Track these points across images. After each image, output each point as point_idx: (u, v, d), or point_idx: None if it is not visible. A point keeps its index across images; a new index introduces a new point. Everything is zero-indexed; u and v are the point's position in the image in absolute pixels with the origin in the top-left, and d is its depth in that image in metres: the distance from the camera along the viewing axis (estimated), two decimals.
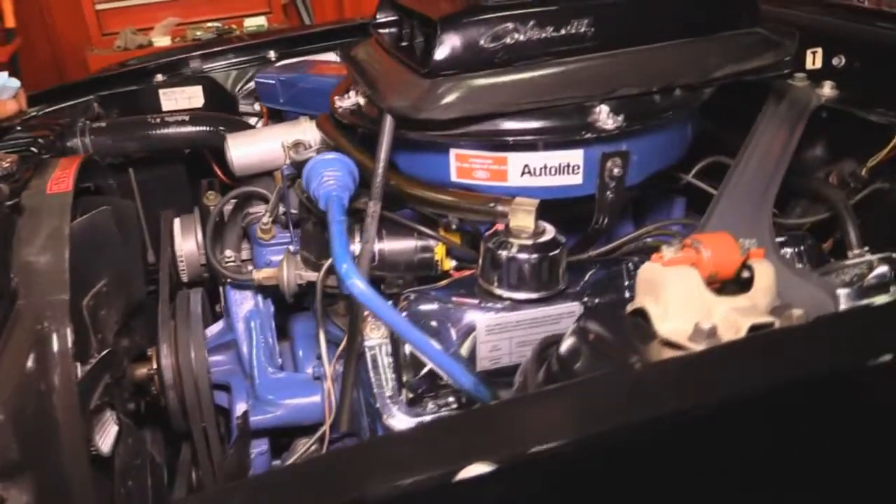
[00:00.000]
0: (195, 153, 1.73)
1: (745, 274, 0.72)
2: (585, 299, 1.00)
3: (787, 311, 0.69)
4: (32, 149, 1.30)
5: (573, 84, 1.01)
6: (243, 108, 1.91)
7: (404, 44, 1.18)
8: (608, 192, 1.05)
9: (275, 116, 1.76)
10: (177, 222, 1.55)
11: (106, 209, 1.20)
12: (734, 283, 0.72)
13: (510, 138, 0.99)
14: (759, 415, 0.60)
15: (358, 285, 0.85)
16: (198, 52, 1.94)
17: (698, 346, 0.66)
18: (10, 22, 4.25)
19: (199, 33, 4.08)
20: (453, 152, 1.05)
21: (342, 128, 1.20)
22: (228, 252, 1.41)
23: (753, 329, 0.65)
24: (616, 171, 1.03)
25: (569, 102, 1.00)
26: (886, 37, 1.33)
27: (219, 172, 1.67)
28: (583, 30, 1.02)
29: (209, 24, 4.12)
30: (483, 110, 0.98)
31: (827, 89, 1.27)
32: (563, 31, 1.02)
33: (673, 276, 0.69)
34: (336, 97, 1.22)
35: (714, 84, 1.10)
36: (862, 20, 1.38)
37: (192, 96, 1.89)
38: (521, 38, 1.01)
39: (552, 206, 1.07)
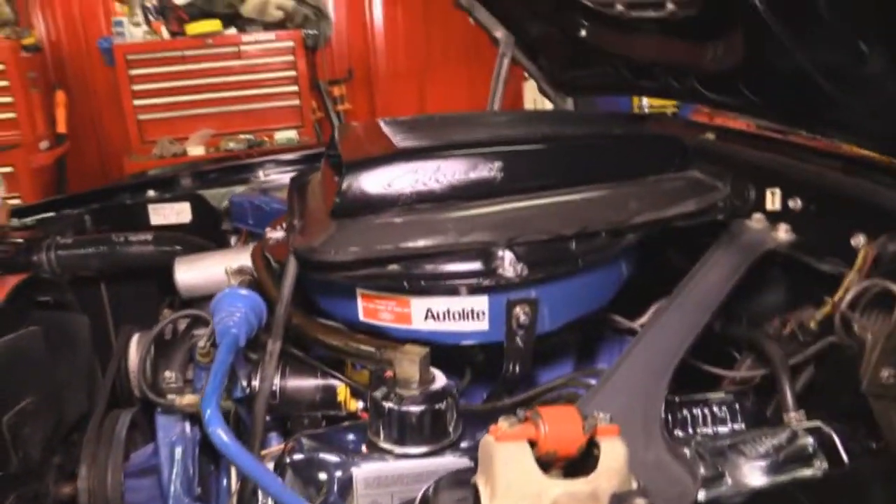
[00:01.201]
0: (166, 271, 1.76)
1: (595, 451, 0.66)
2: None
3: (632, 499, 0.62)
4: None
5: (477, 229, 0.99)
6: (226, 226, 1.95)
7: (336, 178, 1.19)
8: (517, 340, 1.00)
9: (256, 236, 1.79)
10: (134, 338, 1.56)
11: (34, 329, 1.21)
12: (583, 462, 0.66)
13: (405, 282, 0.96)
14: None
15: (219, 435, 0.82)
16: (189, 171, 2.01)
17: None
18: (61, 128, 4.55)
19: (231, 144, 4.27)
20: (359, 293, 1.03)
21: (268, 261, 1.20)
22: (168, 373, 1.39)
23: None
24: (523, 318, 0.99)
25: (470, 248, 0.97)
26: (842, 182, 1.28)
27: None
28: (492, 174, 1.02)
29: (242, 136, 4.31)
30: (379, 254, 0.96)
31: (782, 233, 1.21)
32: (470, 176, 1.01)
33: (503, 452, 0.63)
34: (269, 229, 1.23)
35: (635, 230, 1.06)
36: (818, 162, 1.34)
37: (179, 212, 1.94)
38: (427, 182, 1.00)
39: (462, 352, 1.03)
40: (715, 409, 1.06)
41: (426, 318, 1.00)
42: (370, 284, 1.01)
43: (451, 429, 0.93)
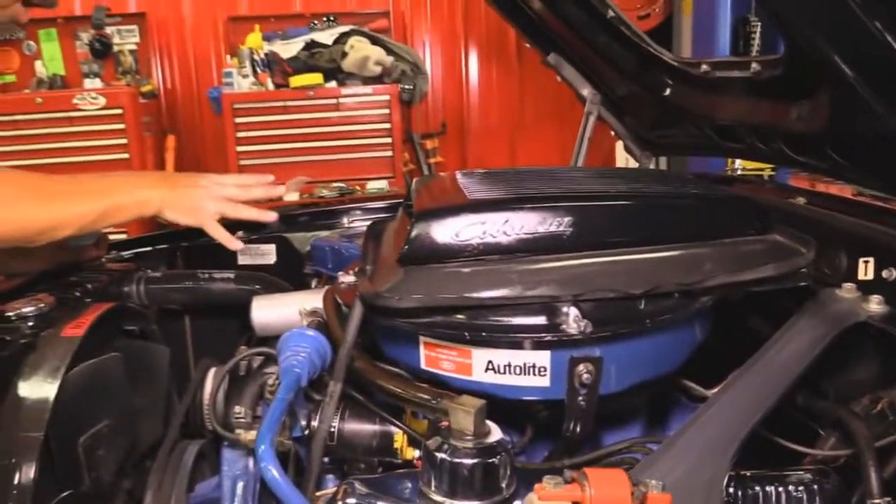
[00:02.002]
0: (246, 308, 1.82)
1: None
2: None
3: None
4: (76, 292, 1.41)
5: (543, 283, 0.98)
6: (308, 269, 2.01)
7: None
8: (579, 399, 0.98)
9: (334, 280, 1.83)
10: (211, 371, 1.61)
11: (116, 355, 1.27)
12: None
13: (466, 332, 0.96)
14: None
15: (270, 471, 0.83)
16: (279, 213, 2.09)
17: None
18: (169, 170, 4.85)
19: (325, 192, 4.42)
20: (422, 340, 1.03)
21: (338, 304, 1.23)
22: (238, 408, 1.43)
23: None
24: (586, 377, 0.96)
25: (535, 301, 0.96)
26: None
27: None
28: (561, 229, 1.01)
29: (335, 184, 4.46)
30: (441, 303, 0.96)
31: (874, 304, 1.14)
32: (540, 230, 1.01)
33: None
34: (341, 273, 1.25)
35: (708, 293, 1.02)
36: None
37: (265, 253, 2.03)
38: (495, 234, 1.00)
39: (524, 408, 1.01)
40: (791, 488, 0.99)
41: (487, 369, 0.99)
42: (432, 332, 1.01)
43: (503, 485, 0.90)
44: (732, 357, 1.18)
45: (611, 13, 1.48)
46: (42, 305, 1.28)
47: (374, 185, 4.52)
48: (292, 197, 4.40)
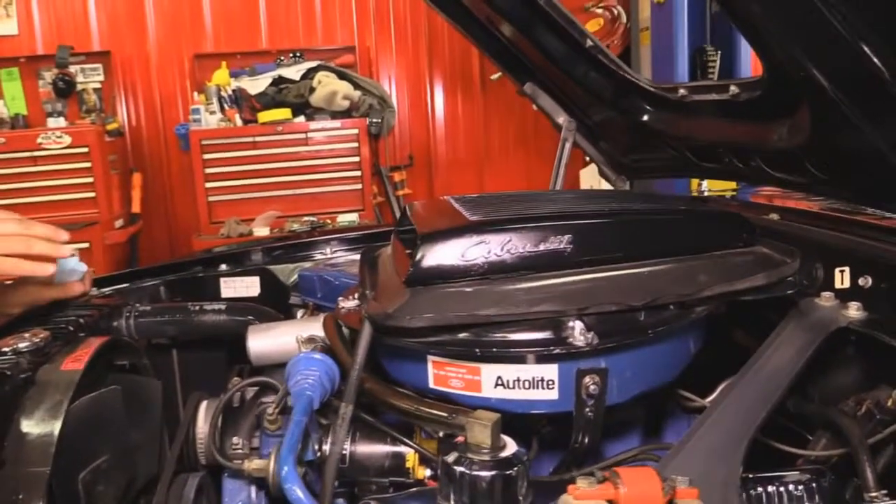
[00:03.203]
0: (236, 339, 1.82)
1: None
2: None
3: None
4: (70, 327, 1.40)
5: (547, 299, 1.01)
6: (294, 299, 2.02)
7: (409, 252, 1.24)
8: (587, 411, 1.01)
9: (319, 310, 1.84)
10: (203, 405, 1.60)
11: (115, 389, 1.26)
12: None
13: (478, 350, 0.99)
14: None
15: (295, 492, 0.84)
16: (260, 247, 2.10)
17: None
18: (136, 208, 4.81)
19: (295, 226, 4.42)
20: (430, 359, 1.05)
21: (340, 329, 1.24)
22: (236, 439, 1.42)
23: None
24: (593, 388, 1.00)
25: (540, 317, 0.99)
26: None
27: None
28: (561, 246, 1.05)
29: (305, 218, 4.47)
30: (451, 321, 0.99)
31: (853, 311, 1.20)
32: (541, 248, 1.05)
33: None
34: (341, 298, 1.27)
35: (704, 303, 1.07)
36: (886, 240, 1.33)
37: (249, 286, 2.03)
38: (498, 253, 1.04)
39: (536, 420, 1.04)
40: (791, 487, 1.03)
41: (496, 385, 1.02)
42: (442, 351, 1.03)
43: (521, 497, 0.92)
44: (717, 368, 1.23)
45: (589, 42, 1.54)
46: (37, 340, 1.27)
47: (344, 218, 4.54)
48: (262, 232, 4.40)
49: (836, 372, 1.25)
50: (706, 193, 2.90)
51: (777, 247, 1.16)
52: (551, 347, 0.98)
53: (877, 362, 1.22)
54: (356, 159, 4.56)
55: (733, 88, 1.20)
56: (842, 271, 1.31)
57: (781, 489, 1.03)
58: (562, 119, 2.05)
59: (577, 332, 0.98)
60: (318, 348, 1.23)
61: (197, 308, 1.64)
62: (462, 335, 1.01)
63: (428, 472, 1.08)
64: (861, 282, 1.28)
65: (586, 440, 1.03)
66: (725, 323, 1.30)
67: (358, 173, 4.58)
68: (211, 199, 4.46)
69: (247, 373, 1.71)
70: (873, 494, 0.97)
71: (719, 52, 3.75)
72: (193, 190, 4.47)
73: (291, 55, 4.77)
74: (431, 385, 1.06)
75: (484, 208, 1.18)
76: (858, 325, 1.17)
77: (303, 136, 4.49)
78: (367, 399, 1.07)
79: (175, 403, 1.81)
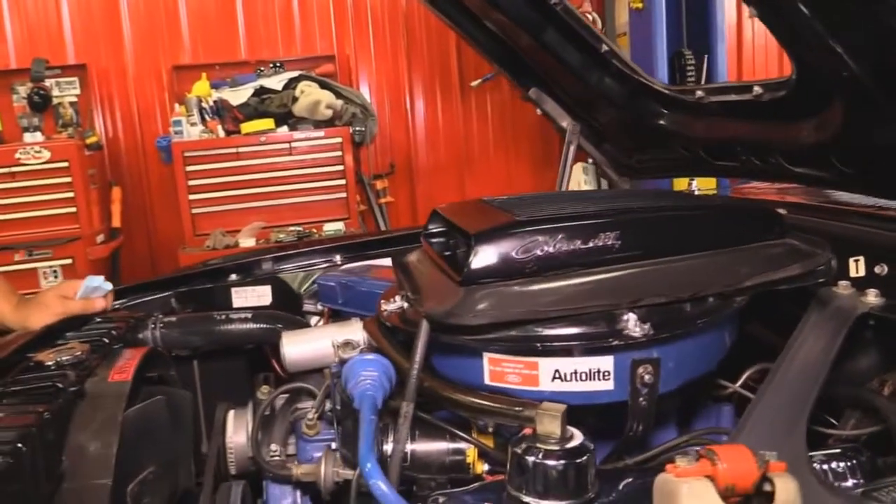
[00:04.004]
0: (256, 348, 1.82)
1: (767, 487, 0.70)
2: None
3: None
4: (105, 339, 1.40)
5: (601, 293, 1.05)
6: (307, 307, 2.02)
7: (448, 253, 1.27)
8: (641, 399, 1.05)
9: (335, 316, 1.86)
10: (230, 414, 1.60)
11: (160, 399, 1.27)
12: (755, 498, 0.70)
13: (539, 344, 1.02)
14: None
15: (380, 486, 0.86)
16: (271, 255, 2.11)
17: None
18: (116, 222, 4.75)
19: (281, 236, 4.41)
20: (486, 356, 1.08)
21: (386, 330, 1.27)
22: (273, 446, 1.43)
23: None
24: (647, 377, 1.03)
25: (596, 310, 1.03)
26: None
27: (276, 367, 1.74)
28: (609, 242, 1.09)
29: (291, 228, 4.46)
30: (513, 317, 1.02)
31: (871, 297, 1.26)
32: (590, 244, 1.08)
33: (687, 488, 0.67)
34: (382, 301, 1.29)
35: (745, 293, 1.12)
36: None
37: (261, 295, 2.02)
38: (551, 250, 1.07)
39: (586, 412, 1.07)
40: (833, 464, 1.08)
41: (553, 379, 1.05)
42: (500, 347, 1.06)
43: (589, 485, 0.95)
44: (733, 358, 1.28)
45: (605, 47, 1.59)
46: (79, 353, 1.27)
47: (330, 227, 4.54)
48: (248, 243, 4.37)
49: (857, 356, 1.31)
50: (696, 191, 2.98)
51: (805, 238, 1.21)
52: (610, 339, 1.01)
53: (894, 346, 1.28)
54: (340, 168, 4.57)
55: (757, 89, 1.25)
56: (856, 261, 1.37)
57: (825, 466, 1.08)
58: (566, 123, 2.10)
59: (633, 324, 1.02)
60: (364, 351, 1.25)
61: (223, 317, 1.65)
62: (521, 331, 1.04)
63: (486, 467, 1.11)
64: (877, 269, 1.34)
65: (640, 428, 1.07)
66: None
67: (342, 182, 4.58)
68: (195, 211, 4.42)
69: (272, 381, 1.72)
70: None
71: (706, 56, 3.86)
72: (176, 202, 4.42)
73: (271, 65, 4.76)
74: (487, 381, 1.09)
75: (525, 208, 1.21)
76: (879, 311, 1.23)
77: (286, 146, 4.48)
78: (424, 398, 1.09)
79: (196, 414, 1.81)
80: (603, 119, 1.94)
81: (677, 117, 1.57)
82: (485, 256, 1.07)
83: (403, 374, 1.11)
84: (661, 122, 1.63)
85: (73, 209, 4.26)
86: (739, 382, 1.31)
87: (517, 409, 0.98)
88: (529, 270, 1.07)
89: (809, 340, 1.18)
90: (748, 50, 5.41)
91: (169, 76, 4.87)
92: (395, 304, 1.26)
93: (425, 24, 5.32)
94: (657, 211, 1.15)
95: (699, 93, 1.46)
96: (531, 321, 1.04)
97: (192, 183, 4.39)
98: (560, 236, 1.08)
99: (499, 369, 1.08)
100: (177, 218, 4.49)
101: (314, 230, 4.51)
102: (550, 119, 2.12)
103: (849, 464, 1.09)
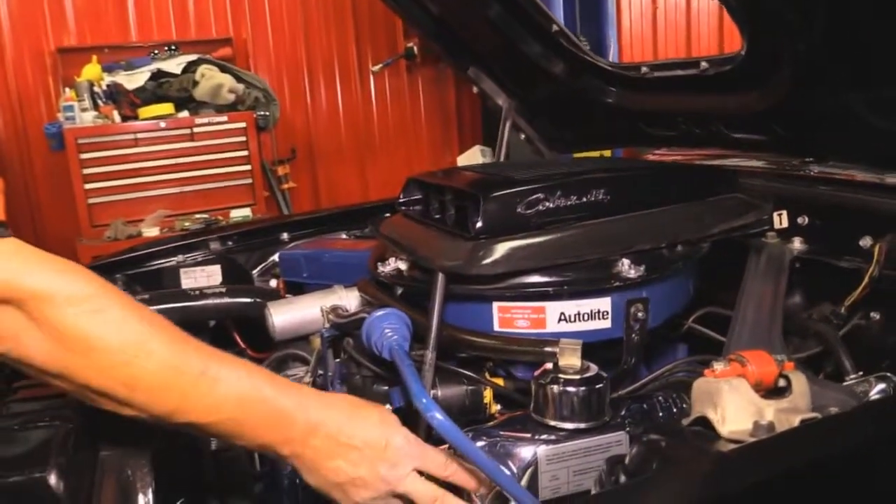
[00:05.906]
0: (218, 325, 1.83)
1: (782, 383, 0.85)
2: (627, 429, 1.10)
3: (826, 410, 0.81)
4: None
5: (596, 242, 1.18)
6: (258, 283, 2.04)
7: (437, 216, 1.36)
8: (634, 335, 1.19)
9: (295, 289, 1.89)
10: None
11: None
12: (772, 392, 0.85)
13: (548, 289, 1.14)
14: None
15: (438, 417, 0.95)
16: (216, 235, 2.10)
17: None
18: (1, 216, 4.42)
19: (187, 224, 4.29)
20: (496, 305, 1.19)
21: (386, 289, 1.34)
22: None
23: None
24: (640, 314, 1.18)
25: (595, 257, 1.17)
26: (840, 197, 1.56)
27: (240, 342, 1.76)
28: (600, 197, 1.22)
29: (197, 216, 4.35)
30: (522, 266, 1.14)
31: (797, 244, 1.46)
32: (584, 199, 1.22)
33: (727, 385, 0.81)
34: (377, 264, 1.37)
35: (709, 240, 1.29)
36: (816, 186, 1.62)
37: (210, 275, 2.02)
38: (550, 205, 1.19)
39: (586, 349, 1.20)
40: None
41: (559, 321, 1.17)
42: (511, 294, 1.17)
43: (605, 409, 1.09)
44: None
45: (555, 27, 1.73)
46: None
47: (237, 213, 4.47)
48: (152, 232, 4.23)
49: (790, 293, 1.52)
50: None
51: (750, 192, 1.40)
52: (611, 281, 1.15)
53: (816, 284, 1.50)
54: (245, 153, 4.49)
55: (704, 64, 1.43)
56: (780, 214, 1.59)
57: None
58: (501, 100, 2.22)
59: (627, 267, 1.16)
60: (369, 310, 1.32)
61: (197, 293, 1.65)
62: (528, 279, 1.16)
63: (499, 407, 1.21)
64: (799, 220, 1.56)
65: (633, 360, 1.21)
66: None
67: (248, 167, 4.51)
68: (91, 200, 4.21)
69: (247, 357, 1.74)
70: (853, 377, 1.22)
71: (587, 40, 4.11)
72: (71, 192, 4.19)
73: (166, 48, 4.60)
74: (497, 328, 1.20)
75: (517, 171, 1.33)
76: (806, 255, 1.44)
77: (188, 131, 4.35)
78: (443, 346, 1.18)
79: None
80: (541, 95, 2.08)
81: (620, 92, 1.73)
82: (492, 213, 1.18)
83: (415, 326, 1.20)
84: (604, 97, 1.79)
85: None
86: (691, 320, 1.49)
87: (539, 346, 1.10)
88: (533, 223, 1.19)
89: (757, 284, 1.37)
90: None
91: (53, 59, 4.59)
92: (392, 265, 1.34)
93: (323, 7, 5.30)
94: (636, 170, 1.30)
95: (644, 69, 1.62)
96: (538, 270, 1.15)
97: (87, 171, 4.17)
98: (558, 193, 1.20)
99: (508, 316, 1.19)
100: (69, 208, 4.26)
101: (220, 217, 4.42)
102: (487, 96, 2.24)
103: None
